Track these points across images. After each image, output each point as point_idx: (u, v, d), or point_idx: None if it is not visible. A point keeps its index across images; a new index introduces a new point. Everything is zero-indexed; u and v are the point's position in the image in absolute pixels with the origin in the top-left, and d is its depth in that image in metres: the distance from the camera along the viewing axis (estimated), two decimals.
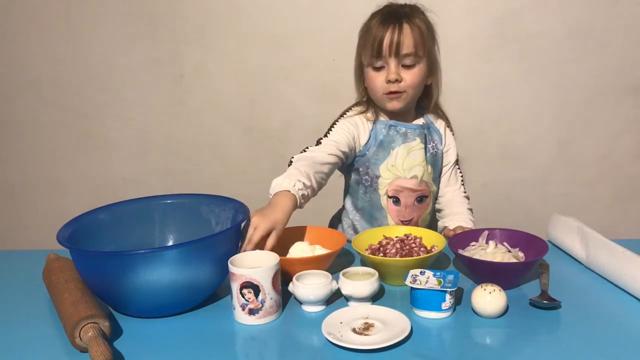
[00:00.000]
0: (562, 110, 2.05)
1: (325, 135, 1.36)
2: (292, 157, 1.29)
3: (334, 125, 1.38)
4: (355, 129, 1.37)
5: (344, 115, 1.41)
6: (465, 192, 1.50)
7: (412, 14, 1.31)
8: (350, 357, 0.85)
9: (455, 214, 1.44)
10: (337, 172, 1.43)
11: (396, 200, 1.38)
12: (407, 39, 1.28)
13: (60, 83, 2.13)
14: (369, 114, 1.38)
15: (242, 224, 1.08)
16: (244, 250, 1.06)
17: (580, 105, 2.04)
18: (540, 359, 0.84)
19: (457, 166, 1.50)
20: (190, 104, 2.12)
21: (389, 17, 1.30)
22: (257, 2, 2.00)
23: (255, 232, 1.07)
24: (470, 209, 1.46)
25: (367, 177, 1.38)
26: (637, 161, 2.09)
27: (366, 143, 1.37)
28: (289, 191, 1.15)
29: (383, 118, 1.40)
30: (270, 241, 1.08)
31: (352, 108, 1.43)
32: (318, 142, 1.34)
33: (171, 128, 2.14)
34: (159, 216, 1.19)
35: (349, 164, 1.41)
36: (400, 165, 1.37)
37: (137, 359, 0.88)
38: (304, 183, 1.17)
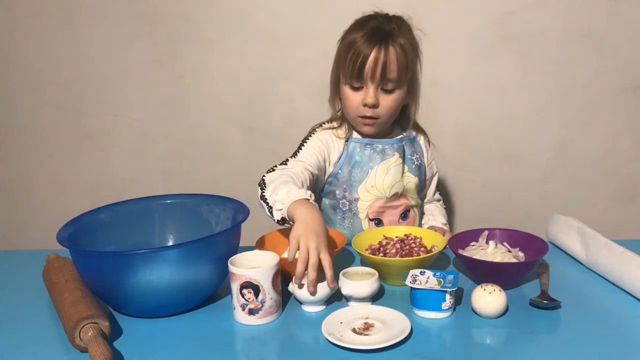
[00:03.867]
0: (562, 110, 2.05)
1: (294, 155, 1.28)
2: (264, 176, 1.19)
3: (304, 144, 1.29)
4: (326, 148, 1.29)
5: (314, 132, 1.33)
6: (437, 194, 1.52)
7: (400, 33, 1.21)
8: (350, 357, 0.85)
9: (428, 214, 1.46)
10: None
11: (378, 222, 1.32)
12: (392, 63, 1.20)
13: (60, 83, 2.12)
14: (341, 132, 1.31)
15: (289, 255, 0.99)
16: (302, 281, 0.97)
17: (580, 105, 2.04)
18: (540, 359, 0.84)
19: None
20: (190, 104, 2.11)
21: (375, 35, 1.20)
22: (258, 2, 2.00)
23: (313, 254, 0.96)
24: (444, 208, 1.51)
25: (344, 200, 1.31)
26: (637, 161, 2.09)
27: (337, 162, 1.30)
28: (307, 200, 1.06)
29: (357, 135, 1.32)
30: (327, 261, 0.97)
31: (324, 124, 1.36)
32: (284, 163, 1.25)
33: (171, 128, 2.14)
34: (159, 216, 1.19)
35: (320, 189, 1.34)
36: (381, 185, 1.30)
37: (137, 359, 0.88)
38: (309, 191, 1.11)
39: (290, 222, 1.06)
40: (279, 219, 1.08)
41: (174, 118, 2.14)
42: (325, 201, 1.36)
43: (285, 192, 1.08)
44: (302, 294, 0.99)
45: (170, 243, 1.18)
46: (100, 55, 2.10)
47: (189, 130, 2.15)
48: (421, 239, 1.16)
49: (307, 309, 1.01)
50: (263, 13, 2.02)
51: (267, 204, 1.13)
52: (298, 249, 0.98)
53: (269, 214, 1.13)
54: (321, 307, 1.00)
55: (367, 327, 0.90)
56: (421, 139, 1.41)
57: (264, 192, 1.15)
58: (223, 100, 2.11)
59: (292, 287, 1.01)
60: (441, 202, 1.53)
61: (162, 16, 2.04)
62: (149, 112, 2.14)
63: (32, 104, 2.17)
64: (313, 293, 0.97)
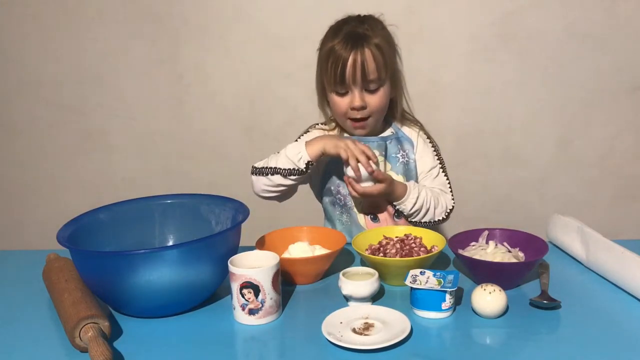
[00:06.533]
0: (562, 110, 2.05)
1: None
2: (253, 165, 1.29)
3: (297, 140, 1.36)
4: None
5: (308, 131, 1.40)
6: (438, 185, 1.38)
7: (372, 33, 1.25)
8: (350, 357, 0.85)
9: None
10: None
11: (374, 217, 1.34)
12: (370, 64, 1.23)
13: (60, 83, 2.13)
14: (333, 134, 1.36)
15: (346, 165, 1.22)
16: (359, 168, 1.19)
17: (580, 105, 2.04)
18: (540, 359, 0.84)
19: (443, 173, 1.38)
20: (190, 104, 2.12)
21: (351, 40, 1.24)
22: (258, 3, 2.00)
23: (356, 146, 1.19)
24: (441, 190, 1.35)
25: (339, 195, 1.35)
26: (637, 161, 2.09)
27: (329, 160, 1.32)
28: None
29: (347, 135, 1.36)
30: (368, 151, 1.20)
31: (316, 125, 1.41)
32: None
33: (171, 128, 2.14)
34: (159, 216, 1.19)
35: (319, 187, 1.38)
36: None
37: (137, 359, 0.88)
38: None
39: (314, 163, 1.24)
40: (304, 166, 1.24)
41: (174, 118, 2.14)
42: (326, 199, 1.39)
43: (290, 148, 1.26)
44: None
45: (170, 243, 1.18)
46: (100, 55, 2.10)
47: (189, 130, 2.15)
48: (421, 239, 1.16)
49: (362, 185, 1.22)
50: (263, 13, 2.02)
51: (277, 170, 1.26)
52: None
53: (283, 178, 1.26)
54: (369, 183, 1.22)
55: (367, 327, 0.90)
56: (412, 134, 1.38)
57: (263, 169, 1.29)
58: (223, 100, 2.11)
59: (349, 172, 1.21)
60: (444, 191, 1.37)
61: (162, 16, 2.04)
62: (149, 112, 2.14)
63: (32, 104, 2.17)
64: (372, 172, 1.20)
